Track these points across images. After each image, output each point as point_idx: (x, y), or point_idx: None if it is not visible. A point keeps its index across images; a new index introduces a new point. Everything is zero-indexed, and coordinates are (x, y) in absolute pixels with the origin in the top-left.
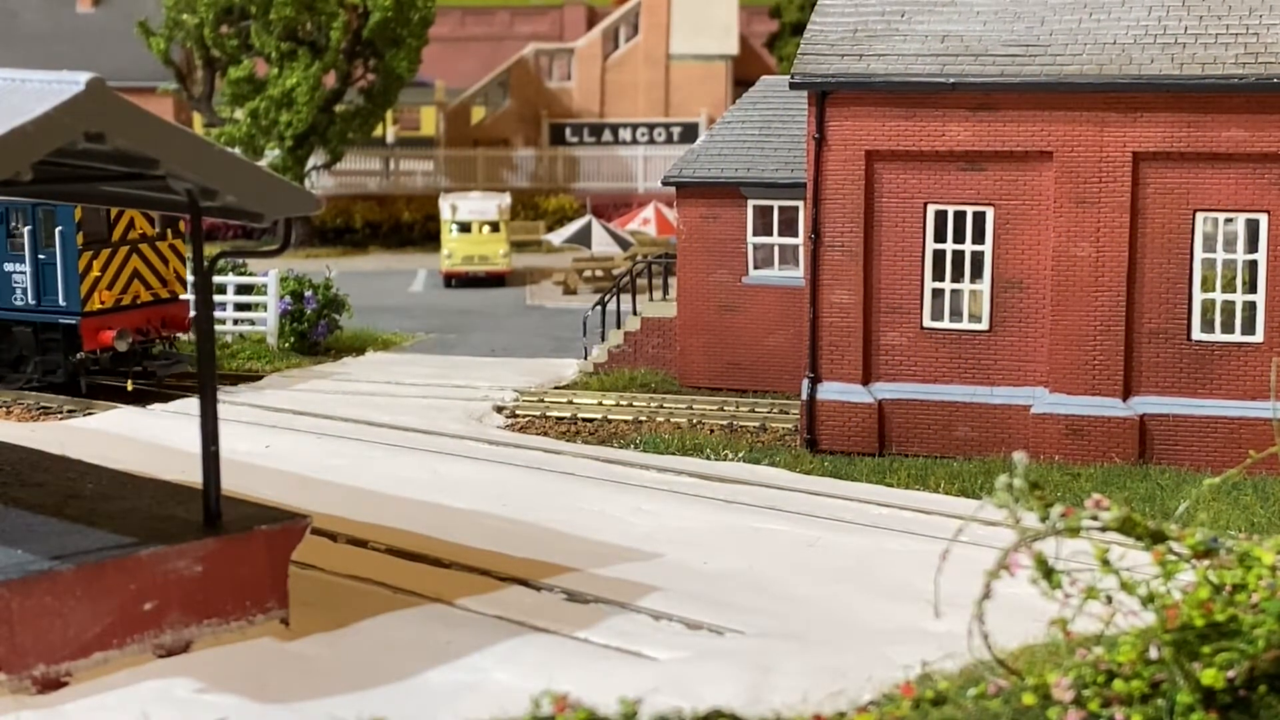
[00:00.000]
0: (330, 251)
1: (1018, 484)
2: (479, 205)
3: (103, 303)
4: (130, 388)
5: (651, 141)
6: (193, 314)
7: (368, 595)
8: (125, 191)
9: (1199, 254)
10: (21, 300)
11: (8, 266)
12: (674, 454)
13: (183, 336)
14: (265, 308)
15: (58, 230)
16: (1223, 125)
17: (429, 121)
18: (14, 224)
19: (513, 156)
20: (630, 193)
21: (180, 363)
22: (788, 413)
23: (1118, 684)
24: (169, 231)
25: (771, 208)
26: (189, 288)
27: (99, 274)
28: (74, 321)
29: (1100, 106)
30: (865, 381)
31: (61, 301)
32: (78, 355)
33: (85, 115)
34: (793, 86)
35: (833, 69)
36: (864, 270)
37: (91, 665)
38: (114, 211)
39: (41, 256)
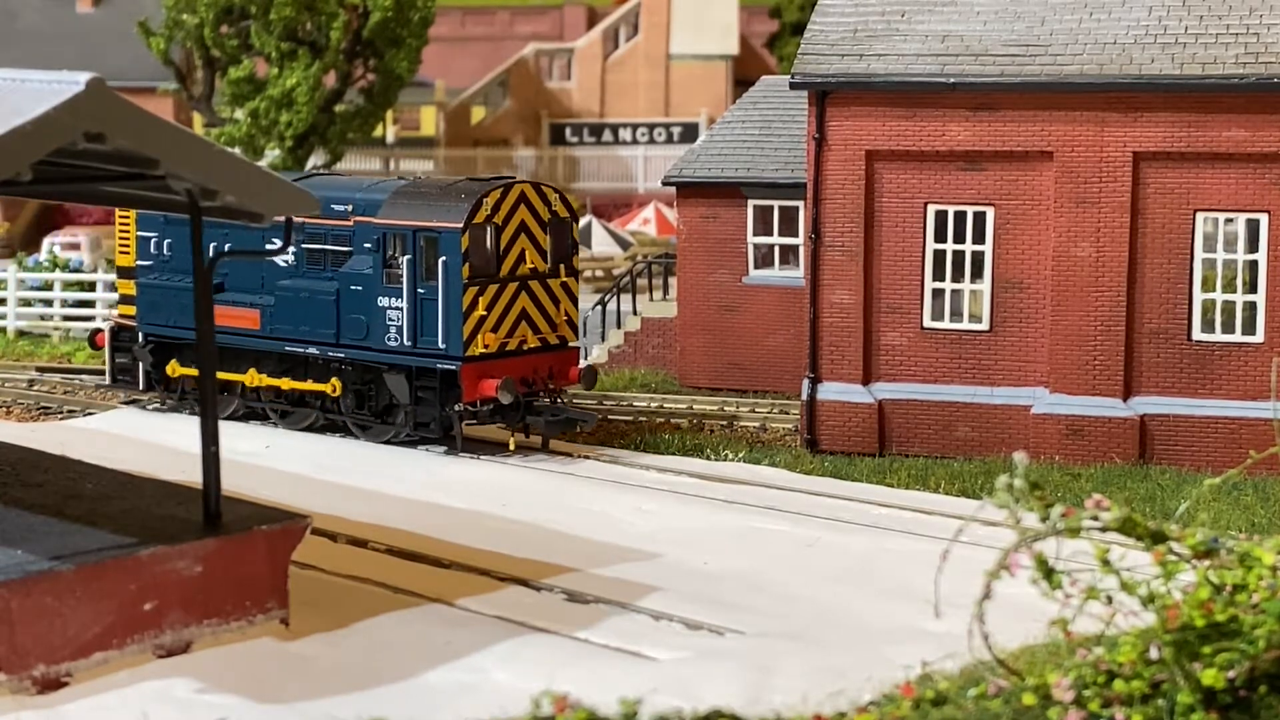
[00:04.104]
0: None
1: (1018, 484)
2: None
3: (486, 347)
4: (513, 446)
5: (651, 141)
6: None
7: (368, 595)
8: (125, 192)
9: (1199, 254)
10: (395, 341)
11: (382, 301)
12: (674, 454)
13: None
14: None
15: (441, 261)
16: (1223, 125)
17: (429, 121)
18: (391, 252)
19: (513, 156)
20: (630, 193)
21: (570, 421)
22: (788, 413)
23: (1118, 684)
24: (562, 268)
25: (772, 208)
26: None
27: (484, 313)
28: (454, 368)
29: (1100, 106)
30: (865, 382)
31: (441, 344)
32: (456, 406)
33: (85, 115)
34: (793, 86)
35: (833, 69)
36: (864, 270)
37: (91, 665)
38: (503, 241)
39: (421, 291)
